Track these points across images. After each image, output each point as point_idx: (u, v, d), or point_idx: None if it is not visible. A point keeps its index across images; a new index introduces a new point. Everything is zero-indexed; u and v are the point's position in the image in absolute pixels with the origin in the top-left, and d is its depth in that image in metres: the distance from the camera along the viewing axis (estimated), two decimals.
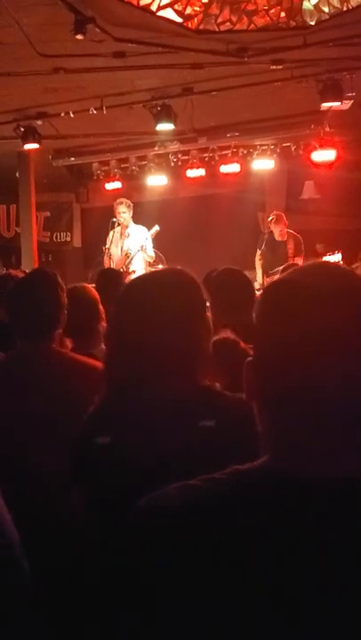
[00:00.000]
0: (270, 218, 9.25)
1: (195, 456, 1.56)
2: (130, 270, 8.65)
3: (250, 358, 1.03)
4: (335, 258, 8.28)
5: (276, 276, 1.13)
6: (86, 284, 3.63)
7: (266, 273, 8.96)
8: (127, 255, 8.85)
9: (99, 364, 2.67)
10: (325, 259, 8.28)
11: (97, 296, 3.49)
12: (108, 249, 8.96)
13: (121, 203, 8.99)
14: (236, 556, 0.93)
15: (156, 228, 8.94)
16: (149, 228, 9.04)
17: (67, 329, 3.40)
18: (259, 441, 1.02)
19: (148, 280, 1.91)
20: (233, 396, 1.77)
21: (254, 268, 9.26)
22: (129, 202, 9.07)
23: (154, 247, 8.99)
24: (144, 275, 2.00)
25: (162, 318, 1.73)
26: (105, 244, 9.05)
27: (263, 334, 1.02)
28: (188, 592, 0.93)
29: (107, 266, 8.49)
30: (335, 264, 1.11)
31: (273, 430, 1.00)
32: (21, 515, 1.29)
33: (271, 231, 9.13)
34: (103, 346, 3.41)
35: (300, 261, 8.42)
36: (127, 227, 8.98)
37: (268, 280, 8.89)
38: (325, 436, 0.95)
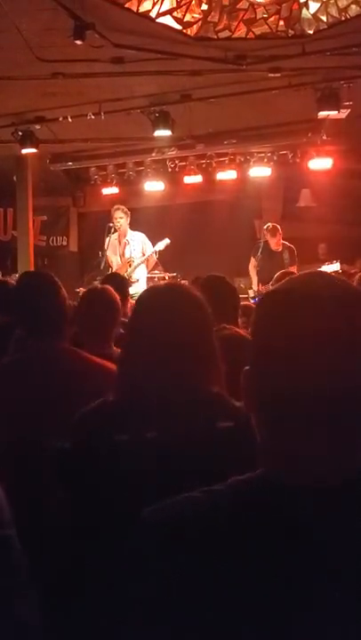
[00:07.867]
0: (266, 226, 9.26)
1: (209, 456, 1.62)
2: (132, 280, 8.62)
3: (247, 367, 1.03)
4: (334, 267, 8.26)
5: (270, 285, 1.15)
6: (106, 286, 3.60)
7: (262, 281, 8.96)
8: (130, 263, 8.85)
9: (111, 365, 2.68)
10: (324, 267, 8.27)
11: (116, 298, 3.46)
12: (106, 255, 8.95)
13: (118, 209, 8.99)
14: (235, 568, 0.94)
15: (167, 241, 8.86)
16: (145, 233, 9.04)
17: (80, 329, 3.39)
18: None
19: (165, 289, 2.07)
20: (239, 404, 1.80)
21: (249, 275, 9.28)
22: (126, 209, 9.09)
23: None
24: (162, 284, 2.24)
25: (178, 324, 1.84)
26: (102, 249, 9.05)
27: (258, 343, 1.03)
28: (190, 604, 0.94)
29: (105, 271, 8.45)
30: (329, 274, 1.11)
31: (269, 439, 1.00)
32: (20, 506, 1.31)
33: (267, 240, 9.14)
34: (115, 348, 3.42)
35: (294, 270, 8.44)
36: (125, 234, 8.99)
37: (263, 288, 8.90)
38: (321, 444, 0.95)
